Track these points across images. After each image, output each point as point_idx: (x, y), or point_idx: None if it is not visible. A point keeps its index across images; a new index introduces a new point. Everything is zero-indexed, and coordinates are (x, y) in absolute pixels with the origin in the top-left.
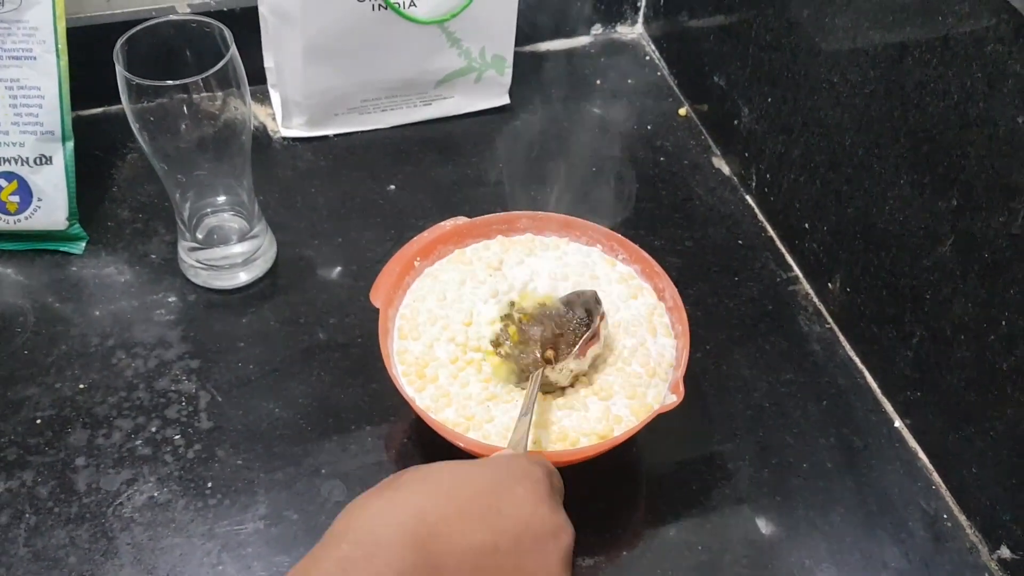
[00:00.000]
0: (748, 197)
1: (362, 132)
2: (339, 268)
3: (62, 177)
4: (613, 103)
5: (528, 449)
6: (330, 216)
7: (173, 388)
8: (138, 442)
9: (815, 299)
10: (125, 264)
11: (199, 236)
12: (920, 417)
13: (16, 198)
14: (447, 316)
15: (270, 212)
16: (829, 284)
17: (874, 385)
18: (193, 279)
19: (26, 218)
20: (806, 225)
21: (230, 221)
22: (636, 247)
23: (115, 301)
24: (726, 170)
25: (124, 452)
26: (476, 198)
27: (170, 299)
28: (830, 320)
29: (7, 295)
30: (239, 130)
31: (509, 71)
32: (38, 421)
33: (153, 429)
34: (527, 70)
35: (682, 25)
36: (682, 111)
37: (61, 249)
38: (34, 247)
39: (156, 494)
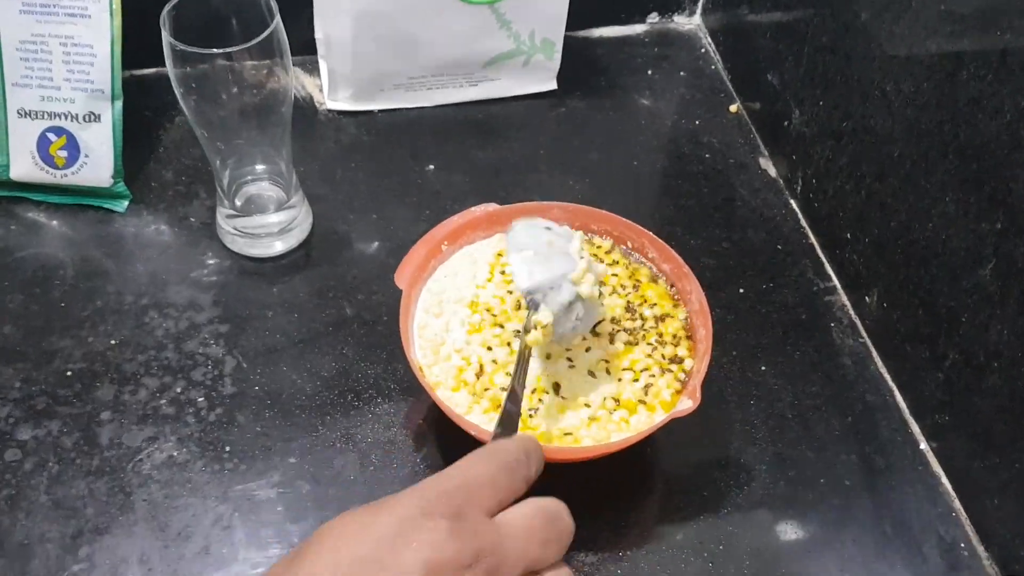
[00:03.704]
0: (792, 201)
1: (407, 109)
2: (372, 245)
3: (109, 135)
4: (663, 95)
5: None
6: (368, 192)
7: (201, 351)
8: (162, 401)
9: (851, 311)
10: (165, 225)
11: (237, 203)
12: (946, 441)
13: (64, 153)
14: (475, 295)
15: (309, 184)
16: (867, 297)
17: (903, 404)
18: (230, 245)
19: (72, 173)
20: (848, 235)
21: (268, 190)
22: (666, 246)
23: (152, 261)
24: (772, 172)
25: (148, 410)
26: (513, 183)
27: (206, 263)
28: (864, 334)
29: (50, 247)
30: (280, 101)
31: (558, 56)
32: (68, 373)
33: (178, 390)
34: (577, 56)
35: (740, 19)
36: (733, 108)
37: (104, 206)
38: (79, 202)
39: (175, 454)
